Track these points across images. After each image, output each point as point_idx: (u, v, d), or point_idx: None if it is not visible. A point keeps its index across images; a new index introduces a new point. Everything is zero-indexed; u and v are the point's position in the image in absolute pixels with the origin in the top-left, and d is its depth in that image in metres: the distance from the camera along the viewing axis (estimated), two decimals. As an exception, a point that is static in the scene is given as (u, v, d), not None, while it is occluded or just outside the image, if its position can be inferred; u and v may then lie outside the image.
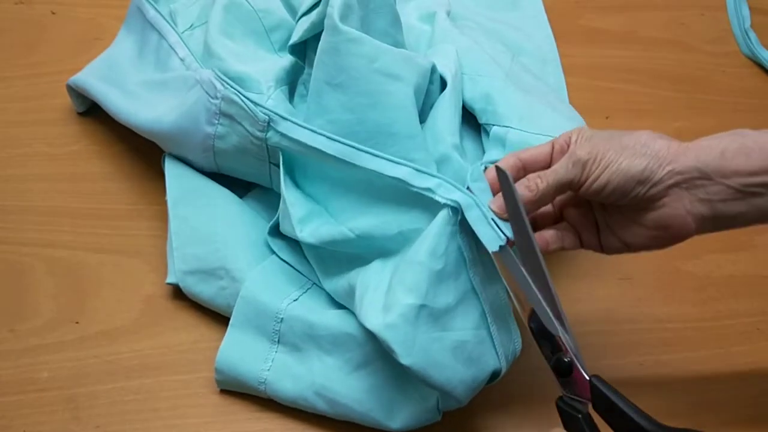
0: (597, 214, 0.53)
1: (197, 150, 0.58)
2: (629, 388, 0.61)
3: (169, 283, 0.61)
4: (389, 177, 0.51)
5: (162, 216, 0.62)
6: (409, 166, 0.51)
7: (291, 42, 0.58)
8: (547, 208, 0.54)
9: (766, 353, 0.65)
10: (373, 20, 0.55)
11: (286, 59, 0.59)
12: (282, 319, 0.56)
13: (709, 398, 0.63)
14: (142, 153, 0.66)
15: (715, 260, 0.69)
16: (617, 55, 0.81)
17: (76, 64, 0.69)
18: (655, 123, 0.77)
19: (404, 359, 0.49)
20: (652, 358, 0.63)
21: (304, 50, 0.59)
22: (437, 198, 0.50)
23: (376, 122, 0.52)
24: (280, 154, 0.55)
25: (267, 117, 0.53)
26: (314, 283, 0.59)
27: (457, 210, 0.50)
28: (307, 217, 0.54)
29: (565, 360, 0.47)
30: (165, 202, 0.62)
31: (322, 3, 0.54)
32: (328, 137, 0.52)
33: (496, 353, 0.53)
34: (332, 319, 0.55)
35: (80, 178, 0.66)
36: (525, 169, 0.52)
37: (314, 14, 0.56)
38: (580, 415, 0.47)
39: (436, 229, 0.50)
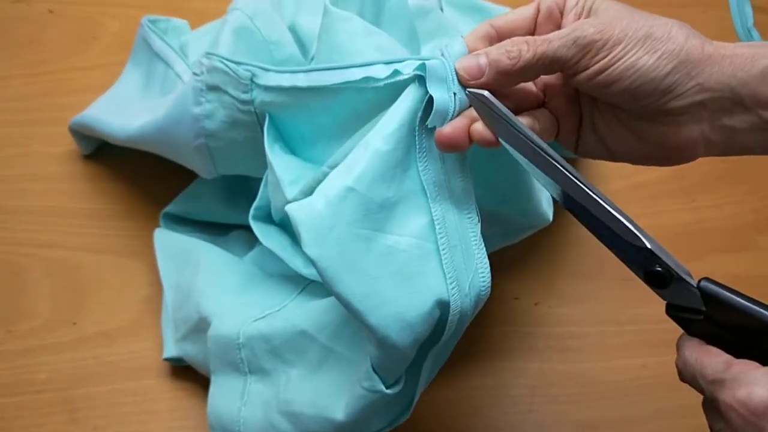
0: (584, 107, 0.44)
1: (189, 141, 0.56)
2: (632, 390, 0.61)
3: (166, 359, 0.58)
4: (359, 81, 0.44)
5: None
6: (379, 62, 0.44)
7: None
8: (529, 85, 0.44)
9: (769, 354, 0.65)
10: (385, 30, 0.51)
11: None
12: (242, 344, 0.52)
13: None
14: (141, 153, 0.66)
15: (717, 260, 0.69)
16: (619, 54, 0.81)
17: (74, 62, 0.69)
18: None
19: (310, 248, 0.41)
20: (655, 359, 0.63)
21: None
22: (404, 77, 0.42)
23: None
24: (267, 118, 0.51)
25: (249, 73, 0.51)
26: (292, 300, 0.54)
27: (423, 79, 0.41)
28: (297, 179, 0.49)
29: (658, 270, 0.39)
30: (163, 203, 0.62)
31: None
32: (304, 70, 0.48)
33: (444, 275, 0.43)
34: (282, 323, 0.51)
35: (78, 178, 0.65)
36: (500, 41, 0.42)
37: None
38: (701, 317, 0.40)
39: (397, 104, 0.42)
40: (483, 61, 0.41)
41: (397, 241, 0.42)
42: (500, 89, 0.41)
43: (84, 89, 0.67)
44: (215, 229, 0.63)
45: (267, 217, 0.56)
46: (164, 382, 0.58)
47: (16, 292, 0.60)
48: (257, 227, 0.55)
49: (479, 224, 0.44)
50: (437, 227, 0.43)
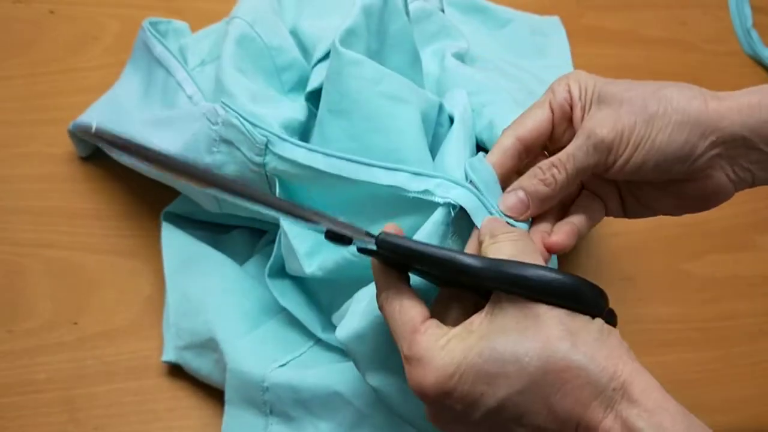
0: (620, 184, 0.47)
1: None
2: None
3: (165, 362, 0.58)
4: (385, 186, 0.47)
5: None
6: (406, 171, 0.46)
7: (308, 89, 0.55)
8: None
9: (769, 354, 0.65)
10: (389, 56, 0.52)
11: (299, 105, 0.56)
12: (267, 387, 0.52)
13: (712, 399, 0.63)
14: (141, 153, 0.66)
15: (717, 260, 0.69)
16: (618, 54, 0.81)
17: (74, 63, 0.69)
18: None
19: (372, 378, 0.44)
20: (654, 359, 0.62)
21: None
22: (436, 199, 0.45)
23: (383, 148, 0.49)
24: (277, 182, 0.51)
25: (265, 138, 0.50)
26: (314, 344, 0.55)
27: (455, 208, 0.45)
28: (314, 250, 0.51)
29: (335, 230, 0.41)
30: (164, 202, 0.62)
31: None
32: (324, 153, 0.48)
33: None
34: (315, 380, 0.52)
35: (78, 178, 0.65)
36: (527, 151, 0.46)
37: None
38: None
39: (429, 228, 0.45)
40: (522, 195, 0.44)
41: None
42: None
43: (84, 89, 0.67)
44: (216, 229, 0.63)
45: (281, 271, 0.56)
46: (164, 382, 0.58)
47: (16, 292, 0.60)
48: (274, 286, 0.56)
49: None
50: None
